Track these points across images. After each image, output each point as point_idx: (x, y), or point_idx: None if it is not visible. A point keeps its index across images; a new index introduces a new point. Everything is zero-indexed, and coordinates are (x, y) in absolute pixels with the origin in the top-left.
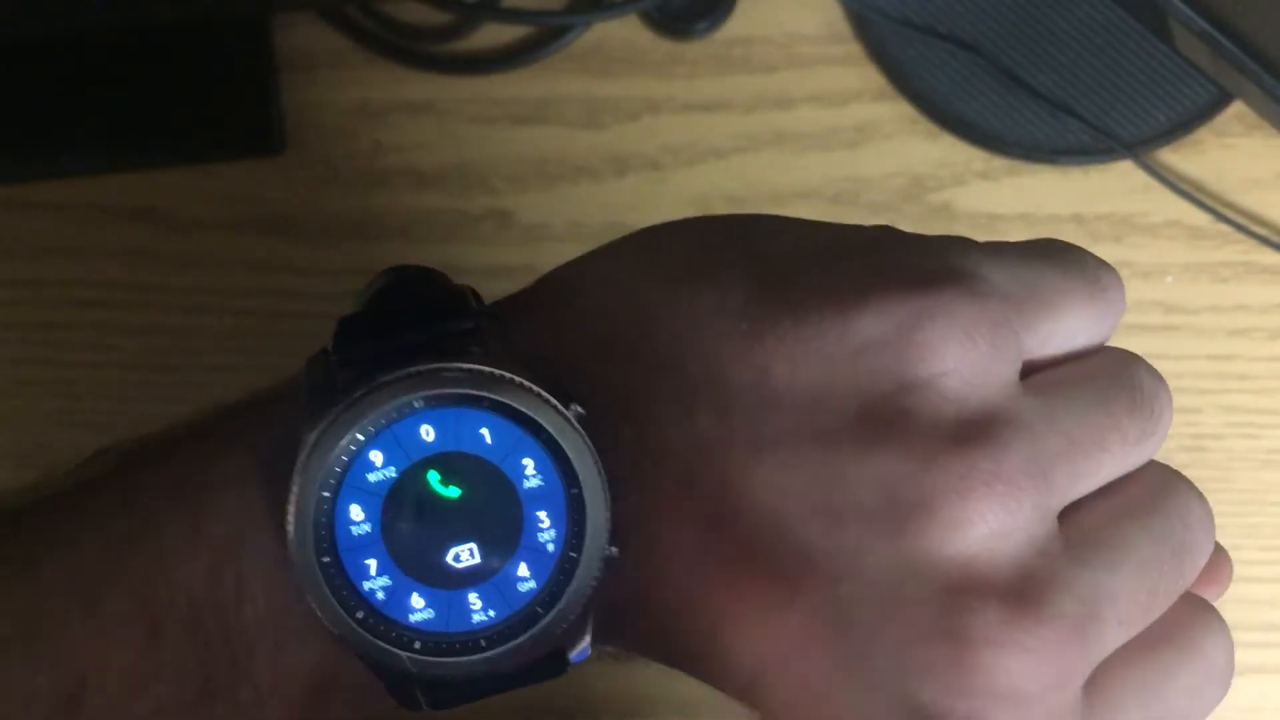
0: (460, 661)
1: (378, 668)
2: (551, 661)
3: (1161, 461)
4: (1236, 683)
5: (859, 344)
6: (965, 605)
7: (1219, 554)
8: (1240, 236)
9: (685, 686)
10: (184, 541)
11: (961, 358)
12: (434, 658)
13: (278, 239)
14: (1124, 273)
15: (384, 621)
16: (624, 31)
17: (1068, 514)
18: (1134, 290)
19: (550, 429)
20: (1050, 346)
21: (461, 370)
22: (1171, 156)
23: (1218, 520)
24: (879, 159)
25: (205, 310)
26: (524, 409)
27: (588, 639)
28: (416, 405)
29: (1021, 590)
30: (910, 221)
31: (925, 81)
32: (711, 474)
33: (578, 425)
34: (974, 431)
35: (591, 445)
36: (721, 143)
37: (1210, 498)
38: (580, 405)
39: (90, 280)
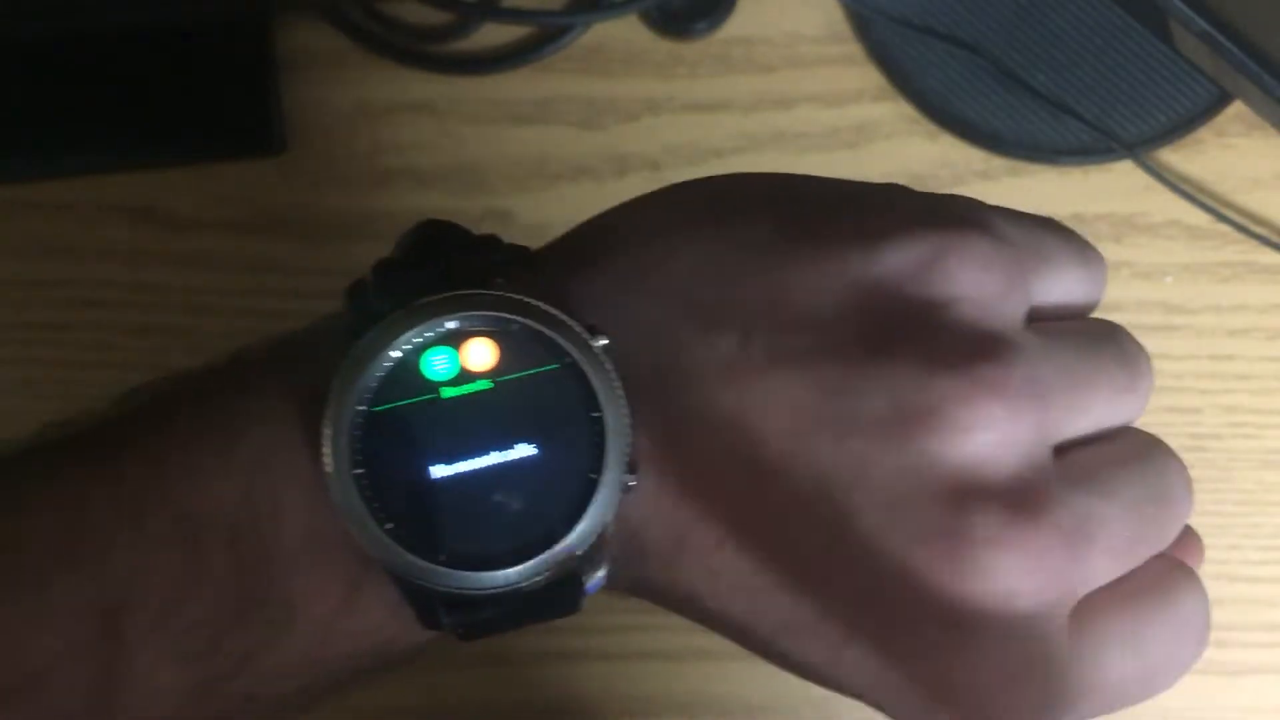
0: (482, 575)
1: (402, 582)
2: (567, 589)
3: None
4: (1236, 682)
5: (880, 272)
6: (968, 506)
7: (1191, 534)
8: (1240, 236)
9: (684, 686)
10: (217, 463)
11: (978, 286)
12: (457, 570)
13: (278, 239)
14: (1124, 273)
15: (412, 534)
16: (624, 31)
17: (1060, 452)
18: (1134, 290)
19: (575, 355)
20: (1051, 297)
21: (493, 296)
22: (1171, 156)
23: (1218, 520)
24: (879, 159)
25: (205, 310)
26: (550, 333)
27: (604, 568)
28: (450, 326)
29: (1022, 496)
30: None
31: (925, 81)
32: (729, 396)
33: (602, 353)
34: (982, 348)
35: (615, 374)
36: (721, 143)
37: (1210, 498)
38: (605, 337)
39: (90, 280)
